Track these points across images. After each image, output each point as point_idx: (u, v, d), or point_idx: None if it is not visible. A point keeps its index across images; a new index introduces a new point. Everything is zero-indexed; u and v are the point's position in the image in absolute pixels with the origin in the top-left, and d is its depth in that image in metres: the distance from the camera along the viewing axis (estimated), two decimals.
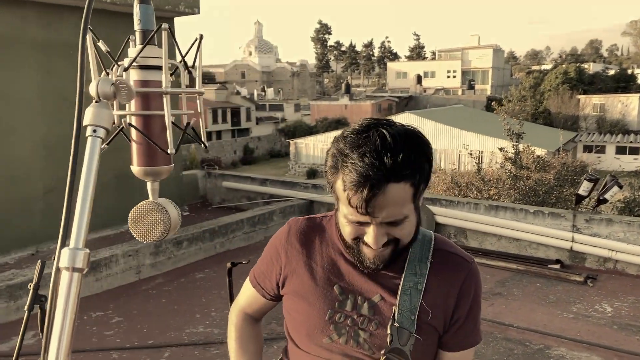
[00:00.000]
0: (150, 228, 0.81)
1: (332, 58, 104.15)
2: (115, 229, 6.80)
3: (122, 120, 0.86)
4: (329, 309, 1.22)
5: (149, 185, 0.84)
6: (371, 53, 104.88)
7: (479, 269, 1.29)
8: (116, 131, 0.83)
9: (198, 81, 0.88)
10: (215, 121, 47.89)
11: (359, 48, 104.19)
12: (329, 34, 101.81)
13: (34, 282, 2.19)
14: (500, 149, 10.88)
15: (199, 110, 0.88)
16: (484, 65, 63.73)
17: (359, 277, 1.22)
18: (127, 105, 0.84)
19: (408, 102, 51.76)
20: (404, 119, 32.39)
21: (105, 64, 0.84)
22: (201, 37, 0.87)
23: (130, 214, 0.81)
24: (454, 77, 64.62)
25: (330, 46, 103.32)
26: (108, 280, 5.10)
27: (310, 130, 43.86)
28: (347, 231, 1.14)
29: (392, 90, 61.60)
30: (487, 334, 4.18)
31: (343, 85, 56.98)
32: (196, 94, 0.90)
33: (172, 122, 0.82)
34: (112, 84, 0.75)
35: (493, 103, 37.77)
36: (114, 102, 0.84)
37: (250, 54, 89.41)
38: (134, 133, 0.85)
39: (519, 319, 4.45)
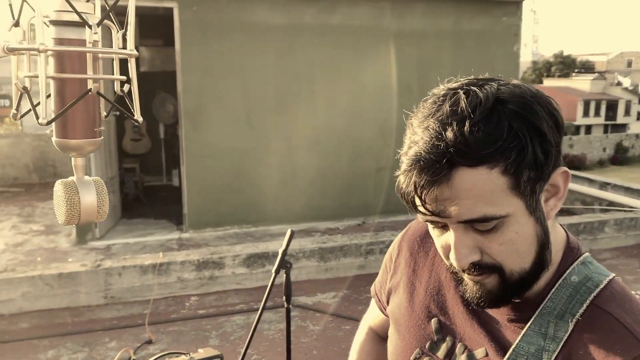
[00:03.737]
0: (60, 209, 0.70)
1: None
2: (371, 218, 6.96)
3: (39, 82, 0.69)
4: (417, 347, 0.93)
5: (72, 160, 0.74)
6: None
7: None
8: (20, 96, 0.73)
9: (129, 42, 0.72)
10: (586, 114, 43.75)
11: None
12: None
13: (282, 249, 2.44)
14: None
15: (131, 77, 0.72)
16: None
17: (466, 316, 0.88)
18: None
19: None
20: None
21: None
22: None
23: (54, 188, 0.72)
24: None
25: None
26: None
27: None
28: (436, 243, 0.82)
29: None
30: None
31: None
32: (126, 56, 0.72)
33: (98, 91, 0.68)
34: None
35: None
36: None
37: None
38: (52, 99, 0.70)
39: None
